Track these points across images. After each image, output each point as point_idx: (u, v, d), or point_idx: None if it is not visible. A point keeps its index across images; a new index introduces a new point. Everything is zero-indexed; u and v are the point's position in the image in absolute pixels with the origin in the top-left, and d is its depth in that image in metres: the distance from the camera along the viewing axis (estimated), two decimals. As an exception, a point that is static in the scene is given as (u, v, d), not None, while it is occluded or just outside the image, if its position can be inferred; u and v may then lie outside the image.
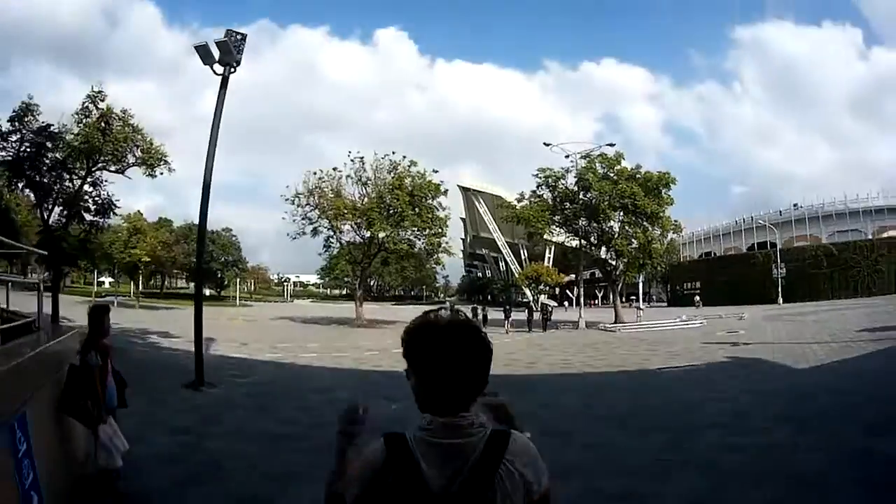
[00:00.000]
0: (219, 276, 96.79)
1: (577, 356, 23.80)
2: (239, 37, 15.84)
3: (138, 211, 74.49)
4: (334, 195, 44.60)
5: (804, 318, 37.57)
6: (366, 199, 44.39)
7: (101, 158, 26.61)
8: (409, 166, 44.49)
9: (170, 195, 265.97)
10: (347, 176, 45.16)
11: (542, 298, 70.09)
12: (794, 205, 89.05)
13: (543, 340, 32.09)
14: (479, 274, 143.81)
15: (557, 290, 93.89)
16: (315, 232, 45.73)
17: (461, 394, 1.84)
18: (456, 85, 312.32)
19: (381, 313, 63.33)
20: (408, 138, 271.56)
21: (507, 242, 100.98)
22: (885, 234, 76.61)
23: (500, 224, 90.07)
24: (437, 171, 45.32)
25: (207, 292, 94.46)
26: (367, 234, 44.66)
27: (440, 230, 45.15)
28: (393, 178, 44.04)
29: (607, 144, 44.56)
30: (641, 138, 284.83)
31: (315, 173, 45.21)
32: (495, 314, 46.41)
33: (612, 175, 41.62)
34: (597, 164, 42.16)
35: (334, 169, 45.44)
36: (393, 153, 44.96)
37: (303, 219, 45.19)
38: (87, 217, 27.51)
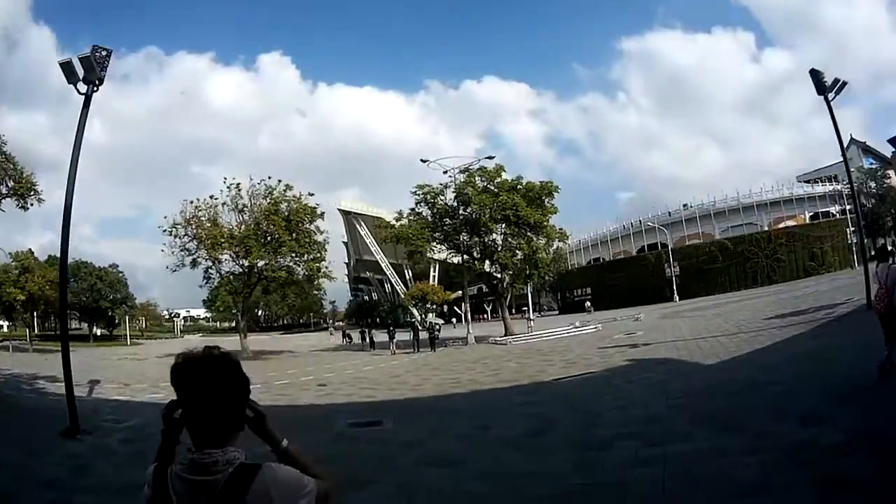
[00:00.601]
0: (109, 314, 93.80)
1: (467, 373, 22.61)
2: (104, 52, 14.84)
3: (29, 249, 73.93)
4: (211, 224, 42.70)
5: (704, 313, 37.81)
6: (243, 227, 42.71)
7: None
8: (285, 191, 43.22)
9: (59, 232, 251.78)
10: (223, 203, 43.45)
11: (430, 317, 68.98)
12: (684, 205, 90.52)
13: (431, 360, 30.96)
14: (366, 297, 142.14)
15: (445, 307, 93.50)
16: (194, 263, 43.68)
17: (210, 429, 1.88)
18: (337, 109, 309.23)
19: (269, 344, 62.69)
20: (290, 164, 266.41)
21: (390, 264, 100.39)
22: (781, 225, 79.31)
23: (383, 246, 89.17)
24: (312, 195, 44.35)
25: (98, 332, 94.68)
26: (246, 263, 42.92)
27: (319, 254, 43.93)
28: (269, 203, 42.69)
29: (486, 157, 44.03)
30: (524, 152, 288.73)
31: (192, 202, 43.35)
32: (382, 336, 45.53)
33: (492, 188, 40.95)
34: (476, 178, 41.43)
35: (211, 197, 43.64)
36: (269, 178, 43.79)
37: (181, 250, 43.12)
38: None
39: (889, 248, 57.26)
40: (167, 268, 43.63)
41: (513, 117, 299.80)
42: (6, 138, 25.81)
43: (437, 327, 43.52)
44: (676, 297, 68.04)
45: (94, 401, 19.33)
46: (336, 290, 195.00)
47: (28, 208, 26.41)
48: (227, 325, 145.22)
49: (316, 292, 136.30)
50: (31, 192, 26.32)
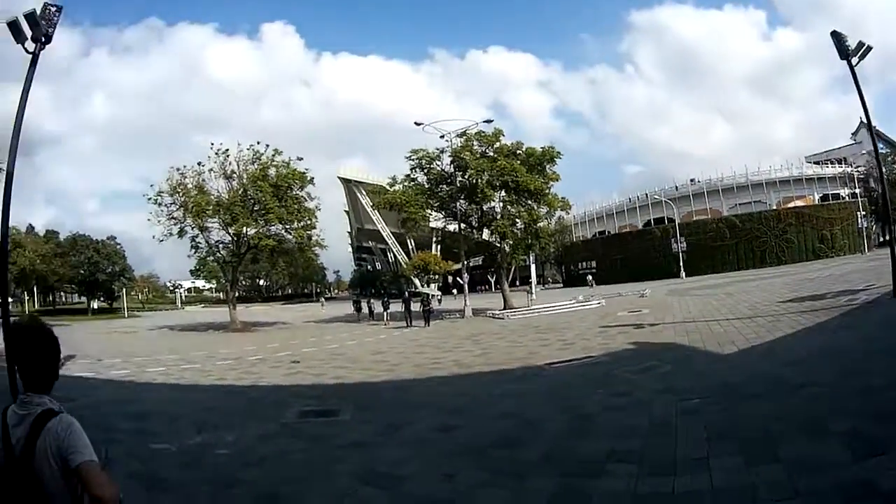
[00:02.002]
0: (108, 286, 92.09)
1: (452, 353, 20.51)
2: (54, 8, 14.19)
3: (29, 225, 79.54)
4: (197, 191, 40.96)
5: (714, 291, 35.71)
6: (230, 194, 40.93)
7: None
8: (273, 156, 41.43)
9: (64, 207, 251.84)
10: (210, 170, 41.67)
11: (429, 288, 66.65)
12: (692, 180, 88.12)
13: (421, 335, 28.86)
14: (370, 267, 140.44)
15: (451, 278, 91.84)
16: (182, 232, 42.06)
17: (29, 378, 2.71)
18: (342, 79, 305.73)
19: (265, 315, 61.12)
20: (295, 135, 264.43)
21: (392, 233, 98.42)
22: (790, 205, 77.32)
23: (384, 214, 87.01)
24: (301, 159, 42.47)
25: (96, 305, 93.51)
26: (233, 231, 41.13)
27: (309, 222, 42.15)
28: (256, 169, 40.92)
29: (485, 121, 41.69)
30: (531, 124, 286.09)
31: (178, 169, 41.60)
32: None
33: (490, 153, 38.92)
34: (474, 143, 39.40)
35: (199, 164, 41.85)
36: (258, 143, 42.09)
37: (168, 218, 41.47)
38: None
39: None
40: (153, 237, 42.05)
41: (519, 88, 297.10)
42: None
43: (432, 298, 41.17)
44: (683, 274, 66.42)
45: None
46: (340, 259, 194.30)
47: None
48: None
49: (319, 262, 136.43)
50: None
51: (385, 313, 39.88)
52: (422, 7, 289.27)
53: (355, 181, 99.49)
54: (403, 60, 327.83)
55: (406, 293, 39.26)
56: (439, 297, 73.66)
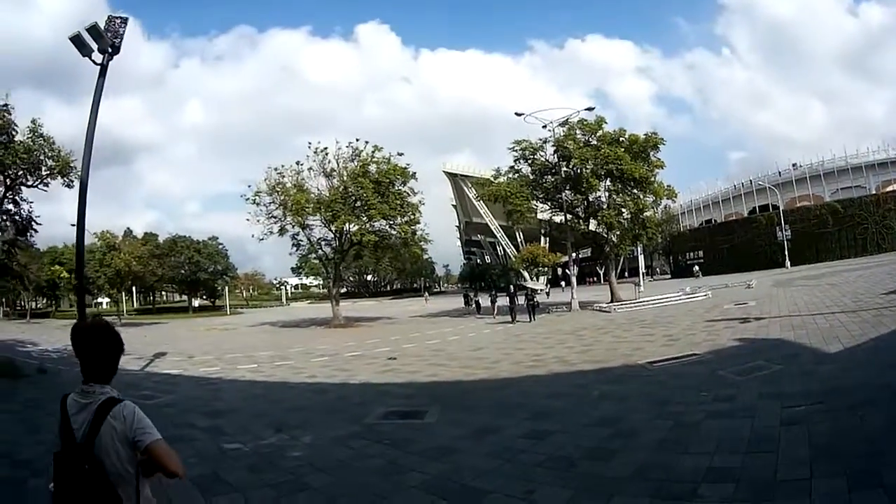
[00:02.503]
0: (210, 285, 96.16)
1: (554, 349, 19.73)
2: (119, 21, 14.91)
3: (127, 228, 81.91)
4: (296, 189, 41.27)
5: (818, 282, 33.87)
6: (330, 191, 41.10)
7: (10, 173, 24.93)
8: (373, 152, 41.17)
9: (165, 210, 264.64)
10: (310, 168, 42.16)
11: (532, 282, 65.21)
12: (794, 164, 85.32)
13: (524, 330, 28.05)
14: (479, 260, 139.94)
15: (560, 270, 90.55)
16: (282, 231, 42.64)
17: (91, 370, 2.98)
18: (442, 74, 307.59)
19: (371, 310, 61.93)
20: (398, 132, 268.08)
21: (500, 226, 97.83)
22: (889, 189, 73.71)
23: (492, 207, 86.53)
24: (402, 154, 41.99)
25: (197, 303, 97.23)
26: (334, 228, 41.24)
27: (412, 217, 41.69)
28: (356, 165, 40.85)
29: (586, 108, 40.29)
30: (633, 112, 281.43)
31: (276, 169, 42.26)
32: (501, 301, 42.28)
33: (593, 141, 37.79)
34: (577, 132, 38.36)
35: (297, 163, 42.36)
36: (356, 140, 41.84)
37: (268, 217, 42.18)
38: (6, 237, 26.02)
39: None
40: (252, 236, 42.92)
41: (619, 76, 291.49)
42: (41, 121, 26.08)
43: (535, 294, 40.12)
44: (788, 263, 64.07)
45: (143, 374, 19.58)
46: (449, 253, 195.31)
47: (72, 186, 26.45)
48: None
49: (427, 257, 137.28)
50: (71, 171, 26.44)
51: (493, 307, 39.23)
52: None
53: (461, 175, 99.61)
54: (504, 53, 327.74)
55: (510, 287, 38.43)
56: (547, 291, 72.71)
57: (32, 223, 25.89)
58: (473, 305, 47.02)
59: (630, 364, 15.01)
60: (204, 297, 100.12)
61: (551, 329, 27.12)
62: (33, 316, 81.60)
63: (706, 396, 10.30)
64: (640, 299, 36.18)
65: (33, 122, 25.65)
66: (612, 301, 37.07)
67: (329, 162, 41.82)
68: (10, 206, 25.26)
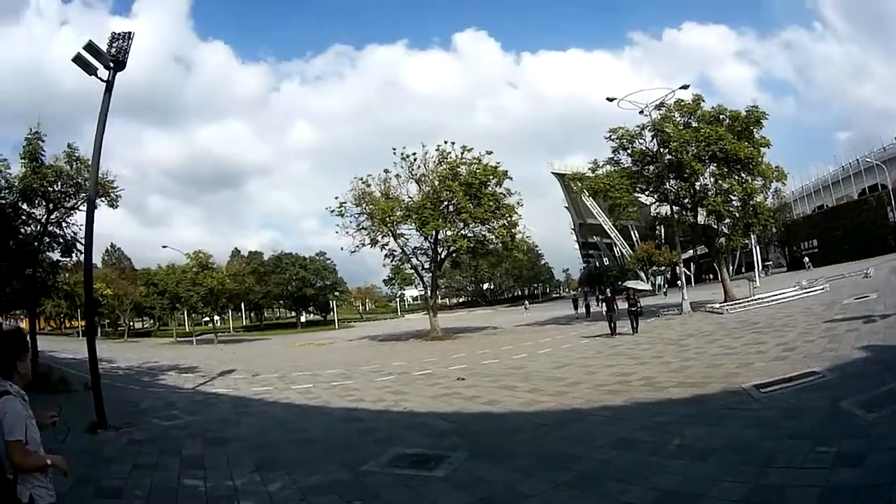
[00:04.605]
0: (319, 299, 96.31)
1: (647, 365, 16.71)
2: (123, 35, 14.89)
3: (237, 249, 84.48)
4: (384, 197, 39.90)
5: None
6: (421, 197, 39.37)
7: (52, 196, 24.76)
8: (462, 153, 39.01)
9: (282, 229, 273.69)
10: (396, 175, 40.70)
11: (639, 283, 59.81)
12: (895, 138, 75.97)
13: (624, 340, 24.68)
14: (597, 263, 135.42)
15: (680, 269, 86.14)
16: (374, 242, 41.19)
17: None
18: (547, 76, 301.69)
19: (477, 320, 60.79)
20: (509, 138, 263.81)
21: (613, 225, 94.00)
22: None
23: (605, 207, 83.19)
24: (490, 153, 39.58)
25: (304, 318, 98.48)
26: (424, 234, 39.79)
27: (510, 219, 39.11)
28: (444, 169, 38.75)
29: (681, 87, 36.57)
30: (739, 98, 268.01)
31: (362, 179, 41.02)
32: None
33: (693, 123, 34.47)
34: (675, 114, 35.11)
35: (385, 171, 40.97)
36: (445, 142, 39.90)
37: (358, 229, 40.96)
38: (53, 257, 26.17)
39: None
40: (342, 249, 41.94)
41: (720, 62, 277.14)
42: (77, 145, 25.51)
43: (637, 296, 33.95)
44: None
45: (188, 393, 20.38)
46: (569, 257, 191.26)
47: (116, 206, 26.60)
48: (454, 300, 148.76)
49: (543, 262, 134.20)
50: (111, 191, 26.21)
51: (588, 312, 36.26)
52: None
53: (569, 175, 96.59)
54: (604, 49, 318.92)
55: (607, 291, 33.40)
56: (665, 290, 68.40)
57: (77, 244, 25.63)
58: (584, 310, 43.95)
59: (732, 389, 11.73)
60: (314, 312, 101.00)
61: (653, 337, 24.00)
62: (133, 335, 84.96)
63: (825, 454, 6.96)
64: (755, 296, 32.58)
65: (69, 146, 25.39)
66: (725, 301, 33.59)
67: (419, 167, 40.23)
68: (55, 229, 25.40)
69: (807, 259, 67.31)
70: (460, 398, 14.84)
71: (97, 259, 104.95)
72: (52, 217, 25.05)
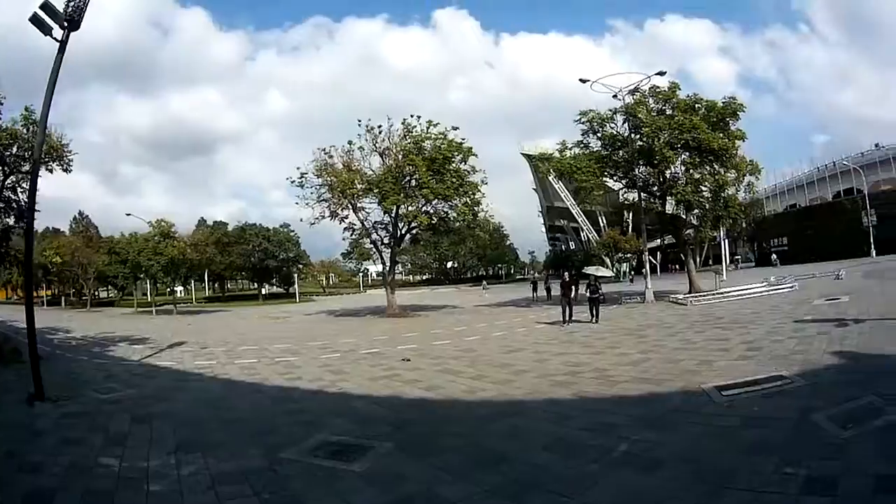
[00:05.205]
0: (281, 272, 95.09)
1: (602, 355, 15.95)
2: None
3: (206, 220, 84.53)
4: (346, 169, 38.88)
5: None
6: (383, 171, 38.51)
7: (7, 160, 24.42)
8: (428, 128, 38.14)
9: (250, 199, 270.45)
10: (360, 147, 39.72)
11: (601, 270, 59.00)
12: (876, 145, 77.55)
13: (580, 327, 23.87)
14: (563, 247, 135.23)
15: (645, 256, 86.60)
16: (334, 215, 40.05)
17: None
18: (525, 58, 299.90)
19: (443, 298, 61.90)
20: (485, 117, 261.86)
21: (582, 210, 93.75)
22: None
23: (572, 189, 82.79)
24: (456, 129, 38.48)
25: (266, 290, 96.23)
26: (384, 209, 38.84)
27: (473, 196, 38.25)
28: (409, 143, 38.09)
29: (657, 73, 35.44)
30: (718, 93, 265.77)
31: (324, 150, 39.95)
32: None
33: (668, 110, 33.85)
34: (649, 100, 34.42)
35: (349, 142, 39.92)
36: (412, 116, 39.06)
37: (318, 201, 39.88)
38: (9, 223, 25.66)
39: None
40: (301, 220, 41.10)
41: (701, 56, 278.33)
42: (34, 108, 24.39)
43: (599, 283, 32.72)
44: (874, 252, 59.31)
45: (134, 365, 20.07)
46: (537, 240, 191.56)
47: (70, 170, 26.68)
48: (417, 277, 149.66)
49: (508, 242, 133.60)
50: (66, 155, 26.23)
51: (548, 295, 35.85)
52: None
53: (537, 156, 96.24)
54: (584, 35, 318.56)
55: (565, 275, 31.54)
56: (631, 276, 68.58)
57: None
58: (544, 293, 43.33)
59: (690, 389, 10.85)
60: (277, 284, 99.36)
61: (612, 326, 23.22)
62: (96, 304, 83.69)
63: (792, 477, 6.06)
64: (721, 290, 32.33)
65: (26, 109, 24.68)
66: (689, 292, 33.16)
67: (383, 140, 39.31)
68: (9, 194, 24.83)
69: (774, 256, 68.32)
70: (400, 381, 14.29)
71: (65, 227, 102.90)
72: (7, 182, 24.55)
